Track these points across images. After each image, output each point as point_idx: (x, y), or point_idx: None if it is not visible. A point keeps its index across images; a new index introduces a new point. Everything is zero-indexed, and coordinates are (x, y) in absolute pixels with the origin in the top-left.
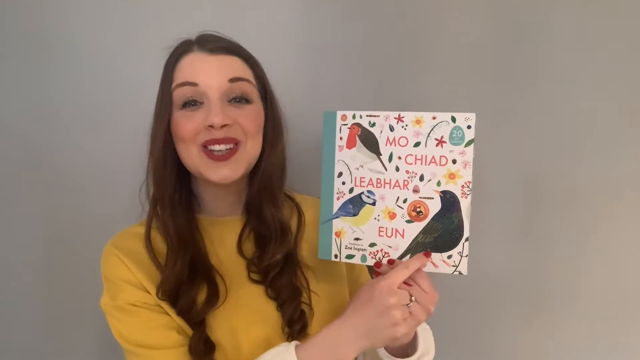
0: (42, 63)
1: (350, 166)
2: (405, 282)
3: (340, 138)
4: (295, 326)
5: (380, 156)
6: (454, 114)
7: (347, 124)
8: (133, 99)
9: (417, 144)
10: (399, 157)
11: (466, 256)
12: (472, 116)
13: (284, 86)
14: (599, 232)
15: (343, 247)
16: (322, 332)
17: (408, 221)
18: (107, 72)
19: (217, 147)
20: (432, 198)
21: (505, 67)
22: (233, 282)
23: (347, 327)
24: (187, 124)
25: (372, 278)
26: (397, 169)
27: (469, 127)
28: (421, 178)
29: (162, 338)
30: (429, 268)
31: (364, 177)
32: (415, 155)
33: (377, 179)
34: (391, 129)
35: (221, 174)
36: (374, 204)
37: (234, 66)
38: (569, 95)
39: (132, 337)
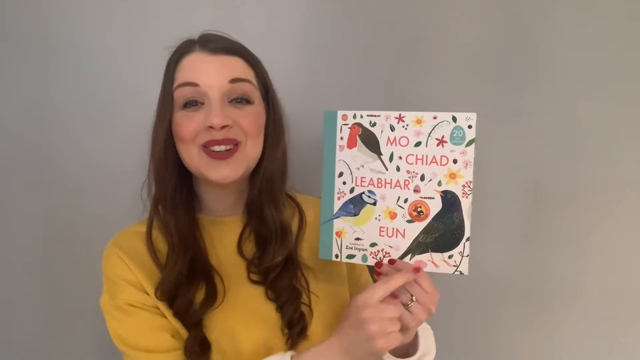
0: (42, 63)
1: (351, 166)
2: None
3: (341, 138)
4: (295, 328)
5: (381, 156)
6: (455, 114)
7: (347, 124)
8: (133, 99)
9: (418, 144)
10: (400, 157)
11: (467, 256)
12: (473, 116)
13: (284, 86)
14: (599, 232)
15: (344, 247)
16: (314, 348)
17: (409, 221)
18: (107, 72)
19: (217, 147)
20: (433, 198)
21: (506, 67)
22: (232, 283)
23: (331, 345)
24: (187, 125)
25: (373, 278)
26: (398, 168)
27: (469, 126)
28: (422, 178)
29: (158, 340)
30: (429, 268)
31: (365, 177)
32: (416, 155)
33: (378, 178)
34: (392, 128)
35: (221, 173)
36: (374, 203)
37: (235, 67)
38: (569, 95)
39: (128, 339)
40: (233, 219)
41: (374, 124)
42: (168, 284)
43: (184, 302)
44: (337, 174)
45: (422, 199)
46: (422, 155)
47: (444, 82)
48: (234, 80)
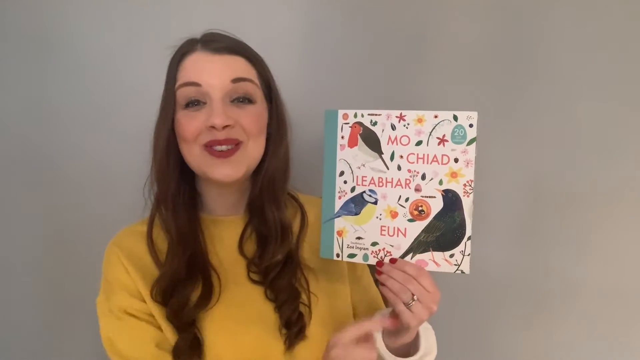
0: (42, 63)
1: (352, 165)
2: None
3: (342, 137)
4: (293, 328)
5: (382, 155)
6: (456, 113)
7: (348, 123)
8: (133, 99)
9: (418, 143)
10: (401, 156)
11: (468, 255)
12: (474, 115)
13: (285, 85)
14: (599, 232)
15: (345, 246)
16: None
17: (410, 220)
18: (106, 72)
19: (218, 147)
20: (434, 197)
21: (506, 67)
22: (232, 282)
23: None
24: (189, 124)
25: (374, 277)
26: (399, 167)
27: (471, 125)
28: (423, 177)
29: (141, 352)
30: (431, 267)
31: (366, 176)
32: (417, 154)
33: (379, 177)
34: (393, 127)
35: (222, 172)
36: (375, 203)
37: (237, 66)
38: (569, 95)
39: (114, 344)
40: (235, 218)
41: (375, 123)
42: (164, 282)
43: (179, 301)
44: (338, 173)
45: (423, 198)
46: (423, 154)
47: (444, 81)
48: (236, 80)
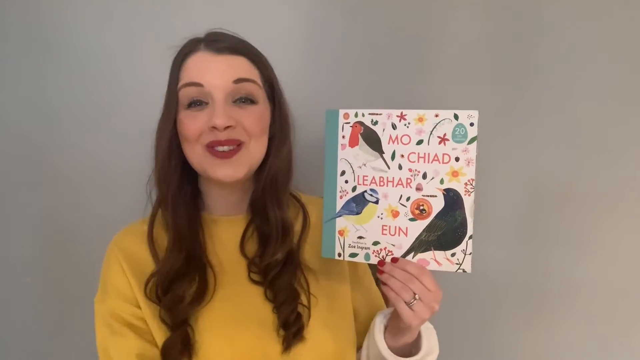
0: (42, 63)
1: (353, 164)
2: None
3: (343, 136)
4: (291, 329)
5: (383, 154)
6: (457, 112)
7: (349, 123)
8: (133, 99)
9: (419, 142)
10: (402, 155)
11: (470, 254)
12: (474, 113)
13: (285, 85)
14: (599, 232)
15: (346, 245)
16: None
17: (411, 219)
18: (106, 72)
19: (220, 147)
20: (436, 196)
21: (506, 67)
22: (231, 282)
23: None
24: (191, 125)
25: (375, 276)
26: (400, 167)
27: (471, 124)
28: (424, 176)
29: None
30: (432, 266)
31: (367, 176)
32: (418, 153)
33: (380, 177)
34: (394, 127)
35: (224, 172)
36: (377, 202)
37: (240, 67)
38: (569, 95)
39: (107, 353)
40: (236, 218)
41: (376, 123)
42: (159, 278)
43: (174, 297)
44: (339, 172)
45: (425, 197)
46: (424, 153)
47: (444, 81)
48: (238, 81)
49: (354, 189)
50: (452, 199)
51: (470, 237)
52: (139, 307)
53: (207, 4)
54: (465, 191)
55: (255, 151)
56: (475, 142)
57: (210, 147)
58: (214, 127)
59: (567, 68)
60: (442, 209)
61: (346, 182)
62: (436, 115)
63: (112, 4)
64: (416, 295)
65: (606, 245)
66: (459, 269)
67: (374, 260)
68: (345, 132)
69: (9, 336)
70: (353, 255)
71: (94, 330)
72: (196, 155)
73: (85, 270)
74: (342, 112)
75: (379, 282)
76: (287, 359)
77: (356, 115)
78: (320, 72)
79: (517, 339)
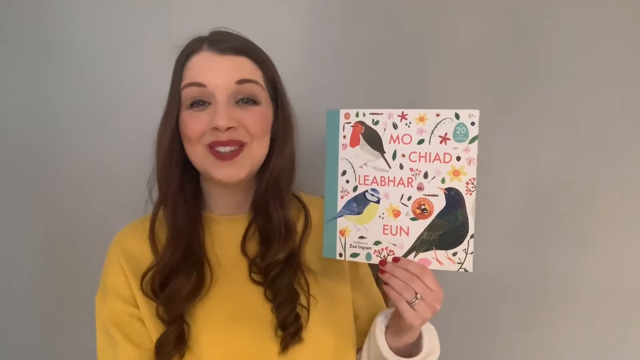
0: (42, 63)
1: (354, 164)
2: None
3: (344, 136)
4: (289, 329)
5: (384, 154)
6: (458, 111)
7: (350, 122)
8: (133, 99)
9: (420, 141)
10: (403, 155)
11: (471, 253)
12: (476, 113)
13: (286, 85)
14: (599, 232)
15: (347, 245)
16: None
17: (413, 219)
18: (106, 72)
19: (222, 148)
20: (437, 195)
21: (506, 67)
22: (232, 281)
23: None
24: (193, 125)
25: (377, 276)
26: (401, 166)
27: (472, 123)
28: (425, 175)
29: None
30: (434, 265)
31: (368, 175)
32: (419, 153)
33: (381, 176)
34: (395, 126)
35: (226, 173)
36: (378, 202)
37: (243, 67)
38: (569, 95)
39: (100, 355)
40: (237, 218)
41: (377, 122)
42: (155, 273)
43: (170, 292)
44: (340, 172)
45: (426, 197)
46: (425, 153)
47: (445, 81)
48: (241, 82)
49: (355, 188)
50: (454, 198)
51: (471, 236)
52: (137, 307)
53: (207, 4)
54: (467, 190)
55: (257, 152)
56: (476, 141)
57: (212, 147)
58: (216, 128)
59: (567, 68)
60: (444, 208)
61: (347, 182)
62: (437, 115)
63: (112, 4)
64: (418, 295)
65: (606, 245)
66: (460, 268)
67: (375, 260)
68: (346, 132)
69: (9, 336)
70: (354, 255)
71: (94, 329)
72: (198, 156)
73: (85, 270)
74: (343, 112)
75: (379, 282)
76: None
77: (357, 115)
78: (321, 72)
79: (517, 338)
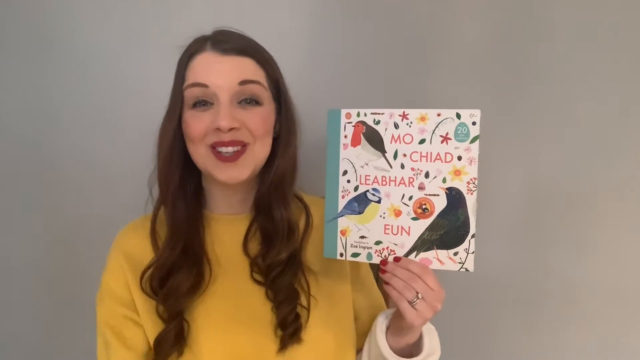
0: (42, 63)
1: (355, 164)
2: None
3: (345, 136)
4: (289, 329)
5: (385, 154)
6: (459, 111)
7: (351, 122)
8: (133, 99)
9: (422, 141)
10: (404, 155)
11: (472, 253)
12: (477, 112)
13: (287, 85)
14: (599, 232)
15: (349, 245)
16: None
17: (414, 218)
18: (107, 72)
19: (224, 149)
20: (438, 195)
21: (506, 67)
22: (233, 281)
23: None
24: (195, 125)
25: (377, 276)
26: (402, 166)
27: (474, 123)
28: (426, 175)
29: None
30: (435, 265)
31: (369, 175)
32: (420, 153)
33: (382, 176)
34: (396, 126)
35: (228, 174)
36: (379, 201)
37: (246, 68)
38: (569, 95)
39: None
40: (238, 217)
41: (378, 122)
42: (155, 270)
43: (169, 289)
44: (341, 172)
45: (427, 196)
46: (427, 153)
47: (446, 81)
48: (243, 82)
49: (356, 188)
50: (455, 197)
51: (472, 236)
52: (134, 309)
53: (208, 4)
54: (468, 190)
55: (259, 152)
56: (477, 141)
57: (214, 148)
58: (218, 129)
59: (567, 68)
60: (445, 207)
61: (348, 181)
62: (438, 115)
63: (112, 4)
64: (419, 295)
65: (606, 245)
66: (461, 267)
67: (376, 259)
68: (347, 131)
69: (9, 336)
70: (355, 255)
71: (94, 329)
72: (200, 156)
73: (85, 270)
74: (344, 111)
75: (380, 282)
76: (283, 359)
77: (358, 114)
78: (322, 72)
79: (517, 338)
